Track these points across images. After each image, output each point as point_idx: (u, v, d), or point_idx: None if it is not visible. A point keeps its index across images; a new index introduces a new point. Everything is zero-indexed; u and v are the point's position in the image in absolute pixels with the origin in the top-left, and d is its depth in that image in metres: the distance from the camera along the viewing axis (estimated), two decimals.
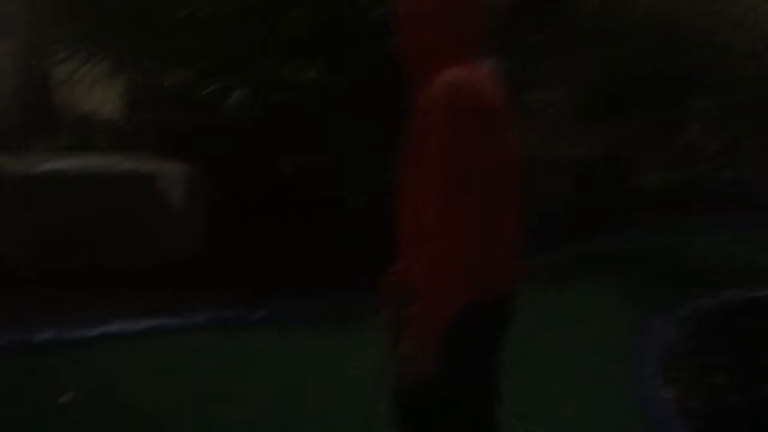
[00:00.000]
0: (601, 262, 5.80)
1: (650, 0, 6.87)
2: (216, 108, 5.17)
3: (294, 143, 5.19)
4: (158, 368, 3.60)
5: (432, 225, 1.69)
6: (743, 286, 5.16)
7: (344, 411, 2.83)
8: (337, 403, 3.19)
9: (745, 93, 7.25)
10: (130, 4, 5.24)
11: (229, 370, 3.56)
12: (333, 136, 5.01)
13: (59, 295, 4.25)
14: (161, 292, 4.42)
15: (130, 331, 4.00)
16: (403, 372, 1.76)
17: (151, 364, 3.65)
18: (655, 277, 5.41)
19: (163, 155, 5.20)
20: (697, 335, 4.33)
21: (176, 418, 3.09)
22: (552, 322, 4.40)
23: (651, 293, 4.99)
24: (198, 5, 5.31)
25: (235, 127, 5.18)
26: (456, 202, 1.66)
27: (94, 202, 4.63)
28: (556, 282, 5.14)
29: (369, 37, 4.69)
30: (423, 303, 1.70)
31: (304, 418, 3.09)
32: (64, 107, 7.11)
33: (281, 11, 5.20)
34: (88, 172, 4.80)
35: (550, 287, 5.01)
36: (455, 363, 1.75)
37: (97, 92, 5.92)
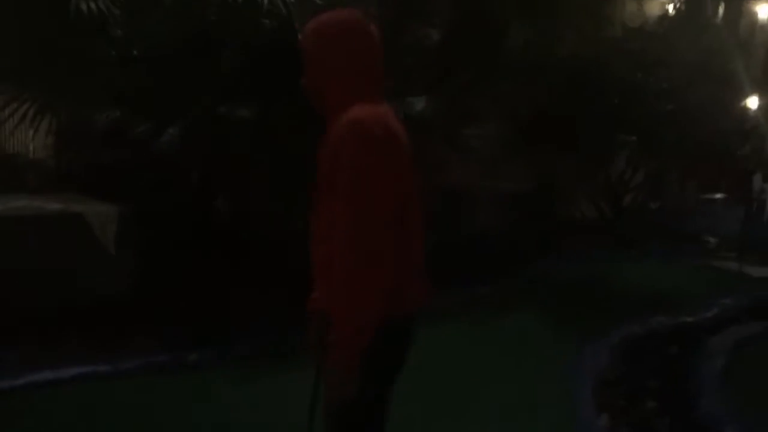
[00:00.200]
0: (534, 290, 5.95)
1: (573, 39, 7.16)
2: (148, 146, 5.11)
3: (227, 181, 5.16)
4: (86, 419, 3.47)
5: (338, 253, 1.76)
6: (670, 314, 5.34)
7: None
8: None
9: (665, 128, 7.57)
10: (57, 42, 5.16)
11: (163, 415, 3.47)
12: (266, 173, 5.02)
13: None
14: (91, 335, 4.28)
15: (58, 378, 3.85)
16: (329, 398, 1.83)
17: (79, 414, 3.52)
18: (585, 305, 5.56)
19: (93, 195, 5.09)
20: (628, 362, 4.45)
21: None
22: (485, 350, 4.48)
23: (582, 321, 5.12)
24: (132, 43, 5.28)
25: (167, 166, 5.13)
26: (363, 231, 1.73)
27: (22, 243, 4.48)
28: (491, 311, 5.25)
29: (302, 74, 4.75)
30: (339, 330, 1.76)
31: None
32: None
33: (214, 49, 5.21)
34: (15, 214, 4.66)
35: (485, 316, 5.12)
36: (361, 380, 1.81)
37: (23, 132, 5.78)
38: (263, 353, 4.27)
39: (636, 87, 7.41)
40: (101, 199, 4.99)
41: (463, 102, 6.18)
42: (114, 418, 3.46)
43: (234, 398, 3.69)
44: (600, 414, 3.69)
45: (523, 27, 6.85)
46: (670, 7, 9.46)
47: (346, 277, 1.75)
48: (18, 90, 5.30)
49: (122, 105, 5.46)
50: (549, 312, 5.33)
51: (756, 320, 5.37)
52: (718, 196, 9.53)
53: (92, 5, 5.23)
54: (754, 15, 11.23)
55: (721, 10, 10.39)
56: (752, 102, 8.80)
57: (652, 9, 9.81)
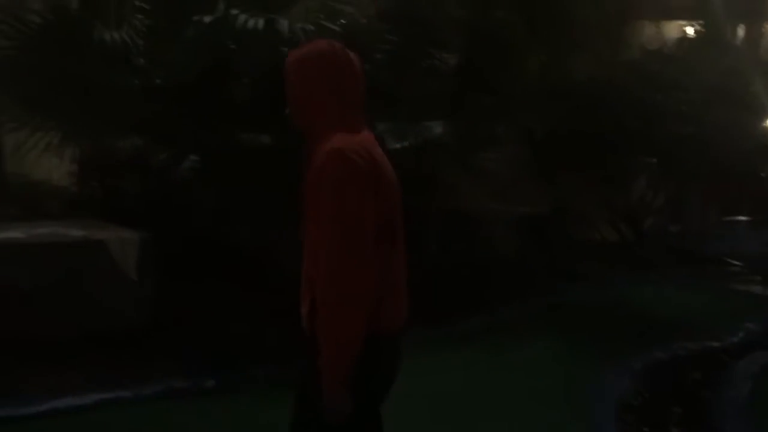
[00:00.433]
0: (552, 315, 5.88)
1: (591, 62, 7.18)
2: (168, 174, 5.18)
3: (246, 209, 5.21)
4: None
5: (321, 279, 1.83)
6: (694, 339, 5.27)
7: None
8: None
9: (686, 150, 7.53)
10: (81, 72, 5.26)
11: None
12: (286, 201, 5.04)
13: (5, 367, 4.12)
14: (112, 361, 4.31)
15: (79, 405, 3.88)
16: (328, 420, 1.86)
17: None
18: (606, 330, 5.49)
19: (115, 222, 5.15)
20: (651, 388, 4.39)
21: None
22: (503, 376, 4.43)
23: (602, 346, 5.05)
24: (152, 73, 5.37)
25: (187, 193, 5.18)
26: (343, 258, 1.80)
27: (45, 270, 4.54)
28: (508, 336, 5.20)
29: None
30: (324, 353, 1.82)
31: None
32: (13, 176, 7.02)
33: (234, 78, 5.29)
34: (39, 241, 4.73)
35: (502, 341, 5.07)
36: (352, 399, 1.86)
37: (47, 160, 5.87)
38: (281, 379, 4.27)
39: (655, 109, 7.38)
40: (123, 226, 5.04)
41: (479, 126, 6.20)
42: None
43: (252, 424, 3.69)
44: None
45: (540, 50, 6.90)
46: (690, 30, 9.47)
47: (328, 303, 1.81)
48: (43, 119, 5.40)
49: (143, 133, 5.55)
50: (568, 337, 5.26)
51: None
52: (741, 218, 9.42)
53: (115, 35, 5.35)
54: None
55: (741, 31, 10.37)
56: None
57: (671, 31, 9.82)
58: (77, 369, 4.20)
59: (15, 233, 4.82)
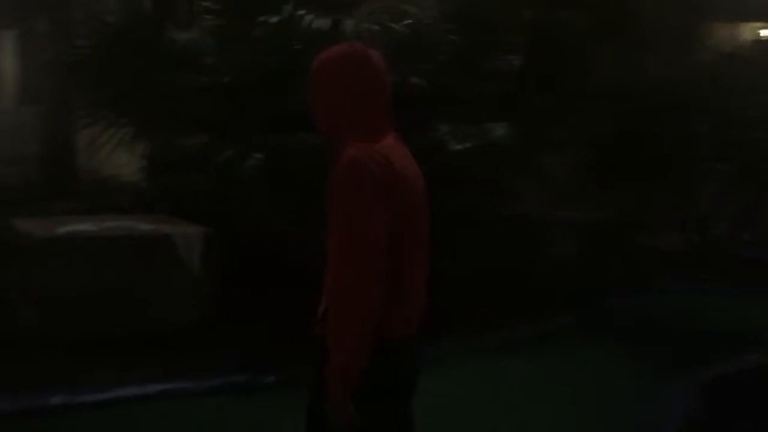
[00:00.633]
0: (611, 325, 5.70)
1: (660, 64, 6.99)
2: (232, 172, 5.27)
3: (306, 209, 5.26)
4: None
5: (330, 287, 1.85)
6: (762, 351, 5.07)
7: None
8: None
9: (758, 156, 7.26)
10: (152, 71, 5.42)
11: None
12: None
13: (73, 357, 4.27)
14: (175, 354, 4.42)
15: (143, 394, 4.00)
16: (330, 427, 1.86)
17: (161, 429, 3.63)
18: (669, 342, 5.30)
19: (181, 217, 5.27)
20: (718, 403, 4.25)
21: None
22: (563, 388, 4.33)
23: (665, 358, 4.90)
24: (219, 73, 5.48)
25: (249, 191, 5.26)
26: (350, 267, 1.79)
27: (113, 263, 4.68)
28: (568, 346, 5.08)
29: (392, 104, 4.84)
30: (332, 362, 1.81)
31: None
32: (86, 170, 7.29)
33: (299, 77, 5.34)
34: (108, 234, 4.87)
35: (563, 351, 4.96)
36: (363, 407, 1.84)
37: (118, 156, 6.06)
38: None
39: (728, 113, 7.14)
40: (188, 221, 5.16)
41: (543, 128, 6.11)
42: None
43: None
44: None
45: (608, 52, 6.75)
46: (765, 32, 9.13)
47: (334, 312, 1.81)
48: (116, 116, 5.58)
49: (210, 131, 5.67)
50: (627, 348, 5.08)
51: None
52: None
53: (185, 36, 5.49)
54: None
55: None
56: None
57: (745, 33, 9.49)
58: (142, 359, 4.32)
59: (86, 226, 4.99)
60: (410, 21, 5.37)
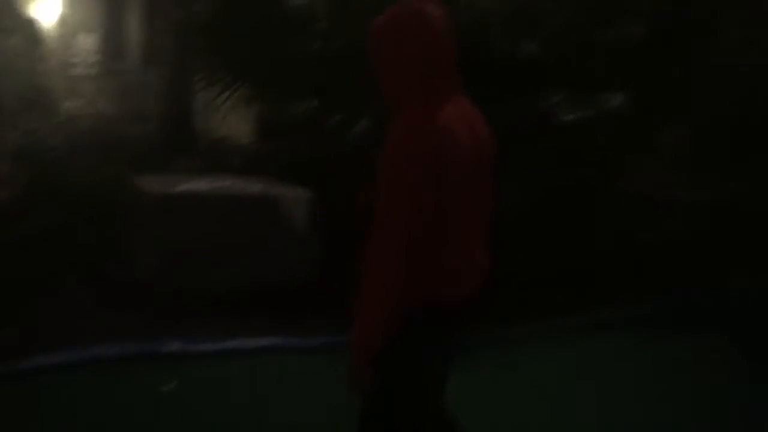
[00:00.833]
0: (723, 311, 5.28)
1: None
2: (340, 136, 5.34)
3: None
4: (275, 386, 3.73)
5: (367, 251, 1.86)
6: None
7: None
8: None
9: None
10: (266, 37, 5.53)
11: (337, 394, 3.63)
12: None
13: (186, 310, 4.50)
14: (280, 312, 4.57)
15: (250, 348, 4.17)
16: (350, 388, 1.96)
17: (268, 381, 3.79)
18: None
19: (289, 180, 5.40)
20: None
21: None
22: (654, 374, 4.15)
23: None
24: (329, 39, 5.53)
25: (357, 156, 5.31)
26: (385, 239, 1.82)
27: (225, 221, 4.86)
28: (665, 329, 4.84)
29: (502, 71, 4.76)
30: (355, 332, 1.88)
31: None
32: (202, 131, 7.58)
33: None
34: (221, 194, 5.06)
35: (657, 335, 4.73)
36: (399, 368, 1.93)
37: (232, 118, 6.27)
38: None
39: None
40: (296, 185, 5.28)
41: (663, 101, 5.81)
42: (299, 389, 3.69)
43: None
44: None
45: (739, 20, 6.33)
46: None
47: (364, 282, 1.85)
48: (232, 79, 5.75)
49: (319, 96, 5.75)
50: (741, 338, 4.71)
51: None
52: None
53: (298, 0, 5.56)
54: None
55: None
56: None
57: None
58: (249, 316, 4.50)
59: (200, 185, 5.21)
60: None
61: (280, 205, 5.02)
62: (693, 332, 4.77)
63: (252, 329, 4.35)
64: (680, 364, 4.31)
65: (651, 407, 3.74)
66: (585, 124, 5.31)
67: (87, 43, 9.95)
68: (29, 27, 8.43)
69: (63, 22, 9.39)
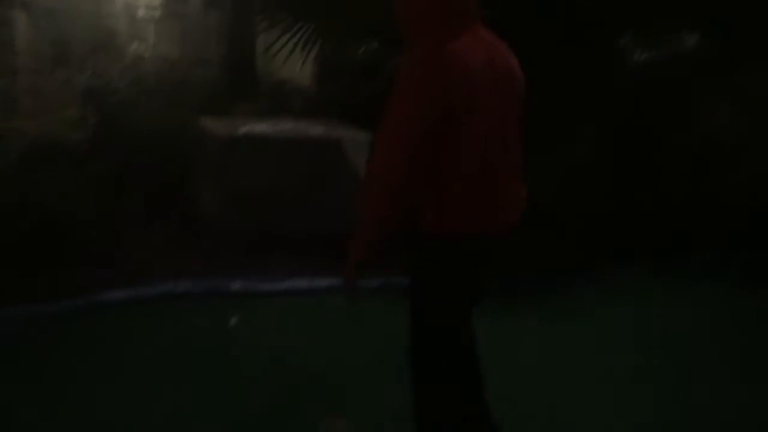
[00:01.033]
0: None
1: None
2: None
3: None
4: (333, 326, 3.83)
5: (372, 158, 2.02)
6: None
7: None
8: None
9: None
10: None
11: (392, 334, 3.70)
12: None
13: (249, 250, 4.63)
14: (341, 254, 4.64)
15: (313, 288, 4.28)
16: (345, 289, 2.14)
17: (327, 321, 3.89)
18: None
19: (350, 122, 5.42)
20: None
21: (345, 379, 3.28)
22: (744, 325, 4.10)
23: None
24: None
25: None
26: (385, 148, 1.96)
27: (288, 163, 4.93)
28: (747, 278, 4.76)
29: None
30: (355, 230, 2.04)
31: None
32: (263, 74, 7.62)
33: None
34: (283, 136, 5.12)
35: (740, 285, 4.66)
36: (433, 294, 2.07)
37: (293, 61, 6.26)
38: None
39: None
40: (357, 127, 5.29)
41: (742, 42, 5.53)
42: (356, 329, 3.77)
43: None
44: None
45: None
46: None
47: (366, 184, 2.04)
48: (293, 20, 5.74)
49: (380, 37, 5.70)
50: None
51: None
52: None
53: None
54: None
55: None
56: None
57: None
58: (312, 257, 4.60)
59: (263, 128, 5.27)
60: None
61: (342, 148, 5.04)
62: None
63: (312, 270, 4.45)
64: (755, 314, 4.25)
65: (722, 358, 3.70)
66: (658, 65, 5.13)
67: None
68: None
69: None
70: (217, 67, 7.53)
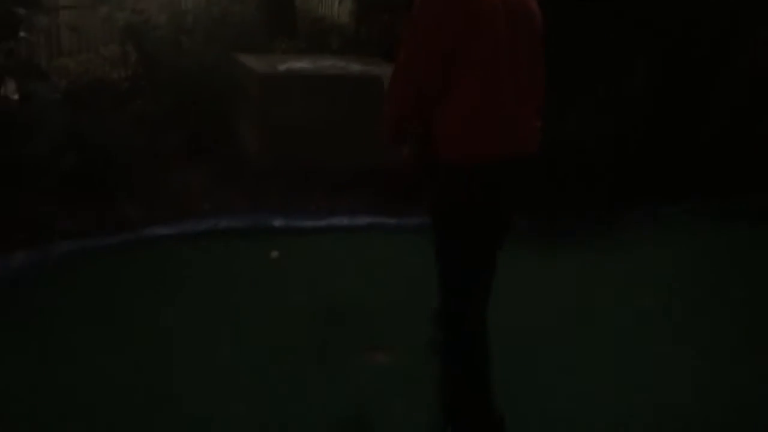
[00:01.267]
0: None
1: None
2: None
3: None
4: (373, 263, 3.87)
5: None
6: None
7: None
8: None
9: None
10: None
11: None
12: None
13: (292, 186, 4.66)
14: (380, 192, 4.66)
15: (351, 225, 4.32)
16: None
17: (367, 258, 3.93)
18: None
19: (388, 59, 5.35)
20: None
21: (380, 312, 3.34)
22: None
23: None
24: None
25: None
26: (399, 70, 2.14)
27: (327, 100, 4.90)
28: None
29: None
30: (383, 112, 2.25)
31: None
32: (302, 11, 7.53)
33: None
34: (323, 73, 5.09)
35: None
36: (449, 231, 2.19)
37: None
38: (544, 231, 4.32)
39: None
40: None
41: None
42: (395, 266, 3.81)
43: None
44: None
45: None
46: None
47: (389, 86, 2.21)
48: None
49: None
50: None
51: None
52: None
53: None
54: None
55: None
56: None
57: None
58: (352, 195, 4.62)
59: (303, 64, 5.24)
60: None
61: (382, 84, 4.99)
62: None
63: (353, 206, 4.48)
64: None
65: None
66: None
67: None
68: None
69: None
70: (255, 4, 7.47)
